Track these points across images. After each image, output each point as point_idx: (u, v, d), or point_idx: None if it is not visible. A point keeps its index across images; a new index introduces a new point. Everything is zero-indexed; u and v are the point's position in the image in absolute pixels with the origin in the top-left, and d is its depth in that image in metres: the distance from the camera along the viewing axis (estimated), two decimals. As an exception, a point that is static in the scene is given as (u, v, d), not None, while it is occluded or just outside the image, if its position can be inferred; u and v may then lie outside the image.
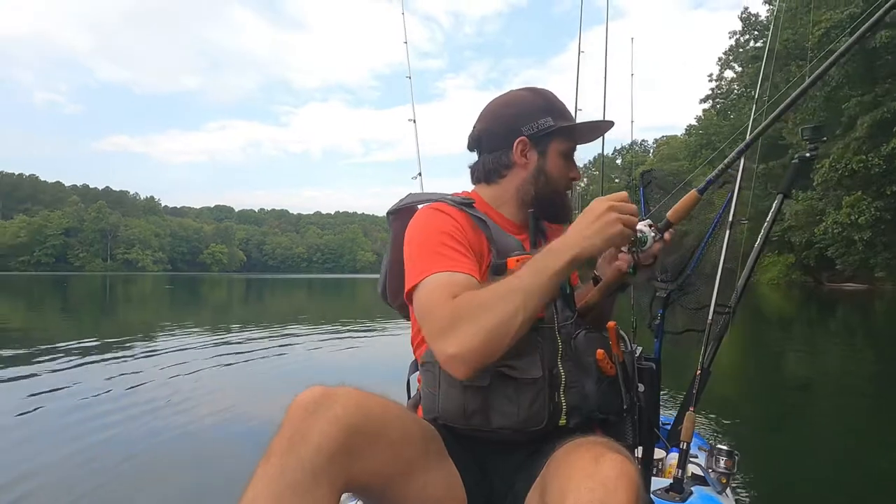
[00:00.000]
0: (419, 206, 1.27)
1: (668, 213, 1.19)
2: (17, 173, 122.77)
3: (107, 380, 5.24)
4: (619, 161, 71.64)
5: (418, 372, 1.24)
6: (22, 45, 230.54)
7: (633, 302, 1.71)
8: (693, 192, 1.22)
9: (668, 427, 1.84)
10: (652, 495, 1.43)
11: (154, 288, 33.43)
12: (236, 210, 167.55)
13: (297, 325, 10.56)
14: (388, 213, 1.30)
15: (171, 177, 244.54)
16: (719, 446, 1.63)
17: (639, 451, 1.25)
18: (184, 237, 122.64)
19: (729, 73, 33.05)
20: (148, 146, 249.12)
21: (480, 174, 1.28)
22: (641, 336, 1.62)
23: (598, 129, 1.34)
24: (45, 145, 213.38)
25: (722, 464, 1.60)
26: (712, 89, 36.73)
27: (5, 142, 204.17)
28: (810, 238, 26.84)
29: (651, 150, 70.20)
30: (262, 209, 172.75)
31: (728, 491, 1.62)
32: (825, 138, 1.57)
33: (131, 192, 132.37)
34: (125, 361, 6.37)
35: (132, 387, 4.91)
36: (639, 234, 1.13)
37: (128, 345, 7.91)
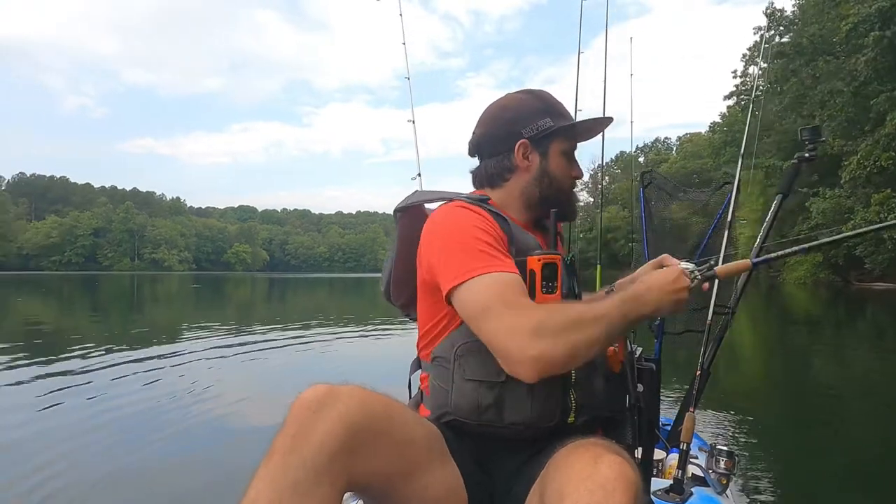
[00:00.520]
0: (427, 205, 1.28)
1: (719, 269, 1.19)
2: (48, 175, 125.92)
3: (134, 374, 5.42)
4: (641, 159, 70.88)
5: (420, 371, 1.25)
6: (53, 52, 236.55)
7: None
8: (747, 262, 1.26)
9: (669, 428, 1.85)
10: (652, 496, 1.44)
11: (181, 287, 34.12)
12: (259, 210, 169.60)
13: (318, 324, 10.69)
14: (395, 211, 1.29)
15: (196, 178, 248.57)
16: (719, 447, 1.62)
17: (639, 452, 1.26)
18: (208, 237, 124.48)
19: (753, 69, 32.44)
20: (173, 148, 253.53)
21: (483, 179, 1.29)
22: (641, 337, 1.64)
23: (598, 126, 1.34)
24: (75, 148, 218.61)
25: (722, 464, 1.60)
26: (736, 86, 36.12)
27: (38, 145, 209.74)
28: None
29: (674, 148, 69.20)
30: (284, 209, 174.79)
31: (728, 492, 1.62)
32: (824, 139, 1.58)
33: (158, 193, 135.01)
34: (160, 358, 6.59)
35: (153, 381, 5.08)
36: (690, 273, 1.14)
37: (162, 342, 8.24)
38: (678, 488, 1.53)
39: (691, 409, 1.65)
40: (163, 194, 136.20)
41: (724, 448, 1.62)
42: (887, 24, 20.91)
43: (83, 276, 63.17)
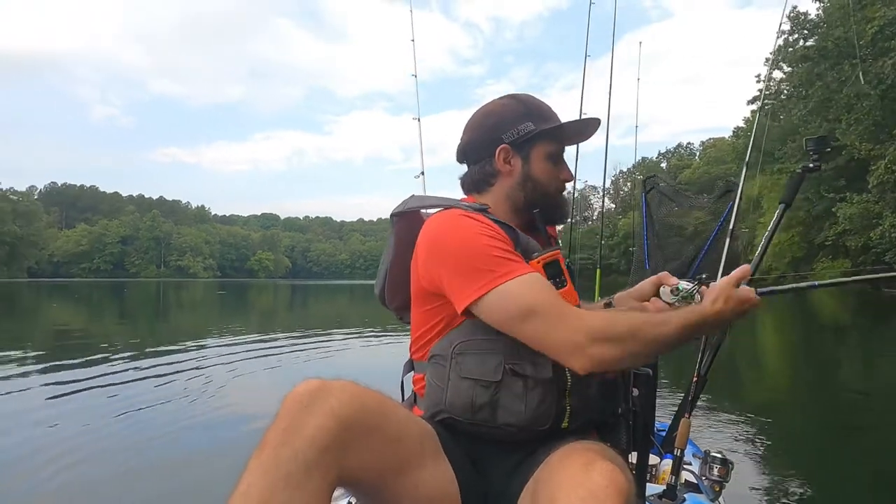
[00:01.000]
0: (423, 211, 1.29)
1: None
2: (78, 184, 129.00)
3: (163, 375, 5.65)
4: (663, 164, 70.03)
5: (413, 373, 1.26)
6: (82, 63, 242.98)
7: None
8: (755, 296, 1.18)
9: (664, 433, 1.87)
10: (646, 502, 1.44)
11: (207, 294, 34.80)
12: (282, 218, 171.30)
13: (339, 330, 10.82)
14: (391, 216, 1.30)
15: (220, 186, 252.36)
16: (713, 454, 1.64)
17: (633, 457, 1.27)
18: (232, 244, 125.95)
19: (777, 74, 31.94)
20: (198, 156, 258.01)
21: (470, 185, 1.30)
22: None
23: (587, 128, 1.33)
24: (104, 157, 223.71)
25: (716, 471, 1.61)
26: (760, 90, 35.61)
27: (68, 155, 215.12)
28: (867, 242, 25.59)
29: (697, 153, 68.29)
30: (306, 216, 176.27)
31: (721, 499, 1.63)
32: (829, 149, 1.58)
33: (183, 201, 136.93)
34: (188, 360, 6.91)
35: (176, 381, 5.27)
36: (682, 292, 1.19)
37: (192, 345, 8.55)
38: (671, 494, 1.54)
39: (686, 416, 1.65)
40: (188, 202, 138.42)
41: (718, 455, 1.64)
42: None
43: (112, 282, 64.67)
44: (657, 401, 1.37)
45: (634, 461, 1.28)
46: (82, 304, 22.08)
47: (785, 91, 31.74)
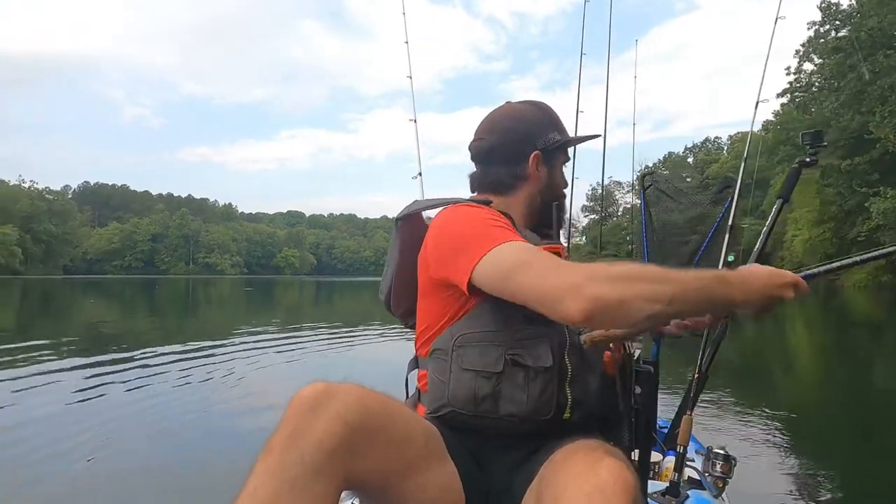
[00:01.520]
0: (425, 215, 1.31)
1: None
2: (110, 184, 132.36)
3: (199, 368, 5.83)
4: (690, 160, 68.89)
5: (417, 370, 1.27)
6: (114, 66, 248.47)
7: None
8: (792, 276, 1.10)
9: (666, 430, 1.87)
10: (648, 499, 1.43)
11: (234, 290, 35.53)
12: (307, 215, 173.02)
13: (362, 326, 10.98)
14: (396, 220, 1.32)
15: (246, 184, 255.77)
16: (716, 450, 1.60)
17: (635, 454, 1.25)
18: (258, 242, 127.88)
19: (808, 66, 31.14)
20: (225, 155, 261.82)
21: (489, 185, 1.32)
22: (639, 339, 1.67)
23: (586, 139, 1.47)
24: (134, 157, 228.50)
25: (718, 468, 1.58)
26: (790, 83, 34.73)
27: (101, 155, 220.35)
28: (902, 238, 24.92)
29: (725, 148, 67.04)
30: (331, 214, 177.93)
31: (724, 495, 1.61)
32: (825, 143, 1.57)
33: (211, 200, 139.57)
34: (221, 354, 7.17)
35: (200, 374, 5.43)
36: None
37: (223, 340, 8.86)
38: (674, 491, 1.53)
39: (688, 412, 1.64)
40: (216, 200, 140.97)
41: (721, 451, 1.60)
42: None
43: (143, 279, 66.44)
44: (659, 398, 1.38)
45: (636, 458, 1.27)
46: (120, 301, 22.89)
47: (816, 83, 30.97)
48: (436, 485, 0.99)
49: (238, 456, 3.19)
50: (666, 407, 2.05)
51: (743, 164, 2.39)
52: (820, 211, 32.85)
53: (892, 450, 3.60)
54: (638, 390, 1.25)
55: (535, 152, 1.30)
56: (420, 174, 2.38)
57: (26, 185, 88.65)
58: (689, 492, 1.56)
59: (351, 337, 9.35)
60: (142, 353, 7.27)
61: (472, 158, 1.37)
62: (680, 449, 1.59)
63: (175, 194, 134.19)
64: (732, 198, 1.77)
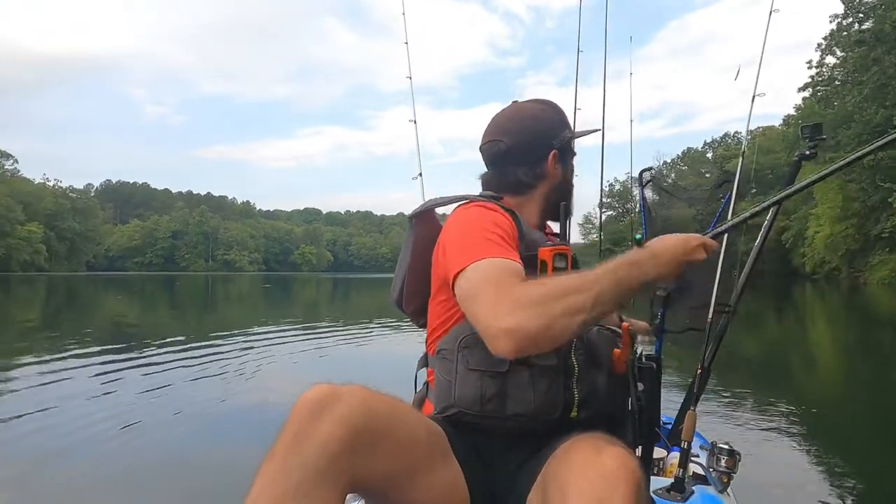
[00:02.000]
0: (437, 212, 1.33)
1: None
2: (132, 182, 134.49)
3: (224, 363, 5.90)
4: (709, 155, 67.92)
5: (427, 367, 1.29)
6: (136, 64, 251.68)
7: (632, 302, 1.72)
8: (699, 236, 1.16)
9: (670, 426, 1.88)
10: (653, 495, 1.42)
11: (253, 287, 35.97)
12: (324, 212, 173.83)
13: (379, 322, 11.05)
14: (409, 218, 1.33)
15: (264, 181, 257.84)
16: (720, 445, 1.59)
17: (639, 451, 1.24)
18: (276, 239, 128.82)
19: (830, 59, 30.50)
20: (244, 153, 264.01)
21: (506, 185, 1.32)
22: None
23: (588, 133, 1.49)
24: (155, 155, 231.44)
25: (723, 463, 1.56)
26: (812, 76, 34.10)
27: (122, 153, 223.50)
28: (926, 234, 24.38)
29: (745, 143, 65.94)
30: (348, 211, 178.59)
31: (730, 490, 1.60)
32: (824, 136, 1.56)
33: (230, 197, 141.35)
34: (241, 349, 7.30)
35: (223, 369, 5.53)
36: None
37: (245, 335, 9.06)
38: (679, 487, 1.51)
39: (692, 408, 1.63)
40: (234, 198, 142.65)
41: (725, 446, 1.59)
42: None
43: (164, 276, 67.53)
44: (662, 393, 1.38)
45: (640, 455, 1.25)
46: (143, 297, 23.34)
47: (838, 77, 30.37)
48: (441, 485, 0.99)
49: (250, 442, 3.35)
50: (669, 403, 2.06)
51: (741, 161, 2.41)
52: (843, 207, 32.27)
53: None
54: (641, 387, 1.24)
55: (554, 151, 1.32)
56: (420, 175, 2.37)
57: (51, 184, 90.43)
58: (693, 487, 1.55)
59: (367, 332, 9.45)
60: (164, 346, 7.50)
61: (486, 160, 1.37)
62: (684, 445, 1.57)
63: (194, 192, 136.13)
64: (731, 194, 1.77)
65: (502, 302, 0.93)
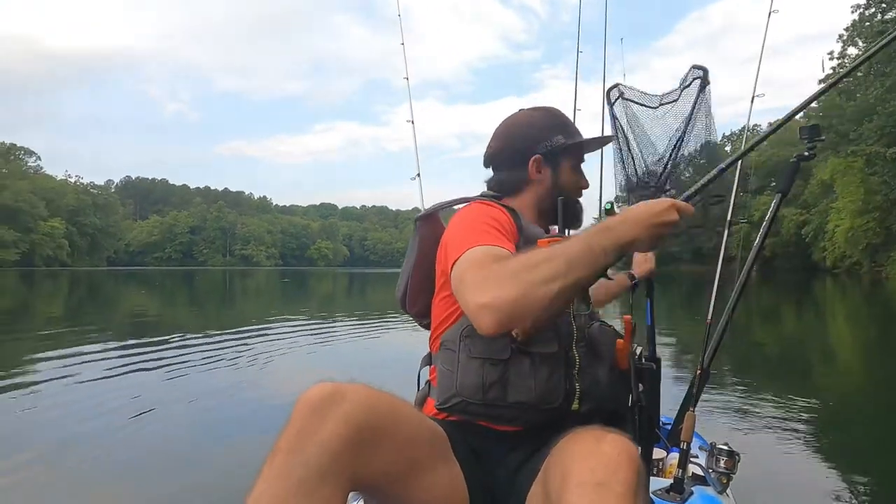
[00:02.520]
0: (440, 212, 1.39)
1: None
2: (151, 178, 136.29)
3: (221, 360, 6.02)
4: (728, 148, 66.87)
5: (430, 366, 1.32)
6: (154, 62, 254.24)
7: (632, 302, 1.69)
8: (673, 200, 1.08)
9: (669, 427, 1.89)
10: (652, 495, 1.43)
11: (271, 281, 36.41)
12: (340, 207, 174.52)
13: (394, 315, 11.14)
14: (416, 220, 1.38)
15: (280, 177, 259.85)
16: (720, 446, 1.62)
17: (638, 451, 1.32)
18: (293, 234, 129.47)
19: (852, 51, 29.80)
20: (259, 149, 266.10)
21: (501, 187, 1.39)
22: (641, 336, 1.69)
23: (603, 142, 1.50)
24: (173, 151, 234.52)
25: (722, 464, 1.58)
26: (833, 68, 33.34)
27: (142, 149, 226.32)
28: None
29: (745, 142, 64.81)
30: (363, 206, 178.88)
31: (729, 491, 1.61)
32: (823, 137, 1.54)
33: (246, 193, 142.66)
34: (267, 341, 7.57)
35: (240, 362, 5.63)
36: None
37: (267, 327, 9.33)
38: (678, 487, 1.52)
39: (691, 409, 1.64)
40: (251, 193, 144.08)
41: (725, 447, 1.61)
42: None
43: (183, 271, 68.45)
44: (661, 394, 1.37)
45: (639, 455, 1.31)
46: (164, 291, 23.74)
47: (861, 68, 29.66)
48: (441, 485, 1.00)
49: (259, 431, 3.48)
50: (669, 404, 2.07)
51: (740, 155, 2.38)
52: (864, 200, 31.66)
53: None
54: (641, 387, 1.26)
55: (535, 156, 1.35)
56: (419, 175, 2.39)
57: (72, 180, 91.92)
58: (693, 488, 1.55)
59: (383, 325, 9.56)
60: (186, 338, 7.75)
61: (484, 164, 1.44)
62: (683, 445, 1.57)
63: (212, 187, 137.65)
64: (731, 191, 1.74)
65: (481, 280, 0.95)
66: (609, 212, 1.14)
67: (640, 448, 1.22)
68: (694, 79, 1.48)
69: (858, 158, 30.35)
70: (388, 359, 6.37)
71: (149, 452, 3.19)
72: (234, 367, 5.72)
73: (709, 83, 1.51)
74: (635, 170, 1.57)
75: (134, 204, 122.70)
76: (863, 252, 34.40)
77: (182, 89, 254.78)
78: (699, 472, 1.67)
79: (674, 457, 1.67)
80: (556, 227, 1.43)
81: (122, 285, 28.46)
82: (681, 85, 1.53)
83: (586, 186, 1.40)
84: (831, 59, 33.06)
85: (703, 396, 1.79)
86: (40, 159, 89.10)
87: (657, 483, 1.55)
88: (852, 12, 29.61)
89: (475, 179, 1.48)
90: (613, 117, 1.57)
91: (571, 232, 1.44)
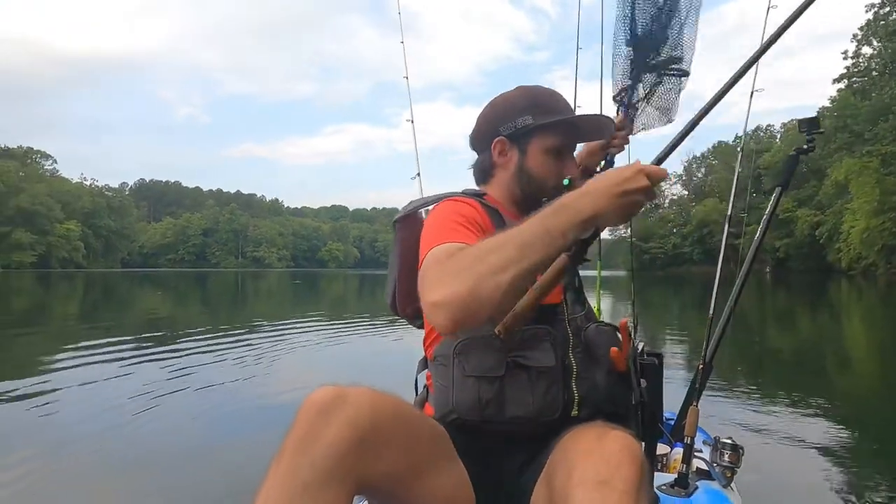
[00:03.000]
0: (422, 210, 1.32)
1: None
2: (164, 180, 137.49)
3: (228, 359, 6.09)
4: (740, 148, 66.14)
5: (427, 370, 1.29)
6: (166, 66, 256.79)
7: (632, 298, 1.70)
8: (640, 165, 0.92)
9: (672, 422, 1.90)
10: (657, 490, 1.45)
11: (282, 283, 36.67)
12: (350, 209, 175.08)
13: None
14: (394, 223, 1.33)
15: (291, 179, 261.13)
16: (724, 440, 1.63)
17: (642, 447, 1.20)
18: (304, 236, 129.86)
19: (867, 50, 29.46)
20: (271, 151, 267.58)
21: (476, 174, 1.33)
22: (643, 332, 1.70)
23: (602, 126, 1.31)
24: (186, 154, 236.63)
25: (727, 458, 1.61)
26: (847, 67, 33.01)
27: (155, 153, 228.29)
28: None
29: (779, 136, 64.32)
30: (374, 208, 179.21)
31: (733, 485, 1.62)
32: (822, 130, 1.54)
33: (258, 195, 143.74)
34: (280, 341, 7.59)
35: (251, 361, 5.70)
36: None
37: (281, 328, 9.48)
38: (683, 482, 1.53)
39: (694, 403, 1.65)
40: (263, 196, 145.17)
41: (729, 441, 1.63)
42: None
43: (196, 272, 69.06)
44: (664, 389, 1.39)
45: (644, 451, 1.23)
46: (177, 293, 24.03)
47: (875, 68, 29.38)
48: (446, 486, 1.00)
49: (266, 429, 3.53)
50: (672, 398, 2.08)
51: (740, 155, 2.44)
52: (880, 201, 31.27)
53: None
54: (643, 383, 1.25)
55: (498, 139, 1.25)
56: (419, 174, 2.39)
57: (88, 183, 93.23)
58: (697, 483, 1.56)
59: (390, 326, 9.61)
60: (198, 339, 7.82)
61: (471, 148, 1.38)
62: (687, 440, 1.58)
63: (224, 190, 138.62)
64: (729, 196, 1.76)
65: (435, 278, 0.90)
66: (568, 187, 1.09)
67: (643, 444, 1.22)
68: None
69: (874, 158, 30.00)
70: (395, 359, 6.40)
71: (147, 454, 3.19)
72: (243, 365, 5.79)
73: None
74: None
75: (148, 206, 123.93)
76: (878, 253, 33.97)
77: (193, 92, 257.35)
78: (703, 466, 1.67)
79: (678, 452, 1.68)
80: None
81: (137, 287, 28.77)
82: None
83: (572, 174, 1.24)
84: (845, 58, 32.74)
85: (708, 392, 1.80)
86: (56, 162, 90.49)
87: (661, 478, 1.56)
88: (867, 11, 29.27)
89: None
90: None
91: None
